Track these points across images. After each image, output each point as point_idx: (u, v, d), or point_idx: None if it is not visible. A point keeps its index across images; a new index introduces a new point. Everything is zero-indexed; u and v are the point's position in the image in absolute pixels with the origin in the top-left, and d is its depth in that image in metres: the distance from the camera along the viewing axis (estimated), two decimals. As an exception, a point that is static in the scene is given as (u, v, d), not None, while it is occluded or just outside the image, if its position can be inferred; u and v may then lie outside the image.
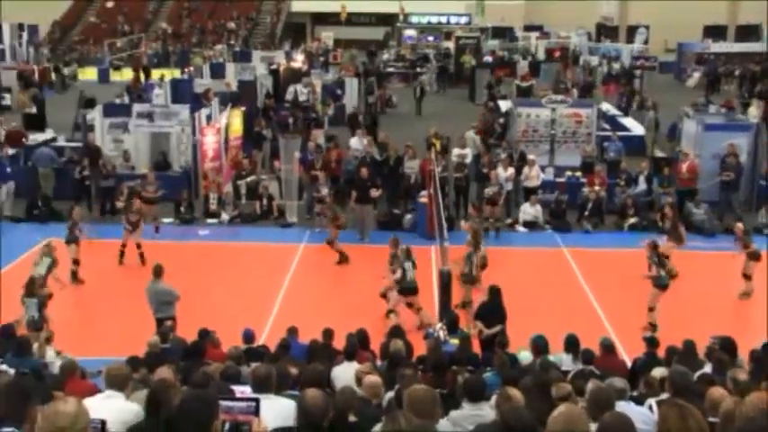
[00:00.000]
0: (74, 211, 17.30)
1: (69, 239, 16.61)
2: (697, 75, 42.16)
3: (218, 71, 35.34)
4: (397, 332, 10.88)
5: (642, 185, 21.59)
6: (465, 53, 42.81)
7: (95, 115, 23.09)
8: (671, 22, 49.70)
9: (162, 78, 33.67)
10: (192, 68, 39.10)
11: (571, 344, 10.52)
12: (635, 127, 28.57)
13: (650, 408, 6.61)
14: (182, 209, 20.73)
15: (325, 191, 19.84)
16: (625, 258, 17.88)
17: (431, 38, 55.14)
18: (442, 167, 20.56)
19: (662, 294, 14.46)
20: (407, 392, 5.47)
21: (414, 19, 56.52)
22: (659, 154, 25.19)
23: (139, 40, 53.33)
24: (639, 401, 7.26)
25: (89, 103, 28.41)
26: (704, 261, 17.76)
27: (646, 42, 48.44)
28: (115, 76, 43.89)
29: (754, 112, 28.60)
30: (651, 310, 14.39)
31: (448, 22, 56.36)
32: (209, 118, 23.21)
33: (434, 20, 56.65)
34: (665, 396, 6.96)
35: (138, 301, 13.33)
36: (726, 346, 9.93)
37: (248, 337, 11.41)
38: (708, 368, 9.07)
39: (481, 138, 24.65)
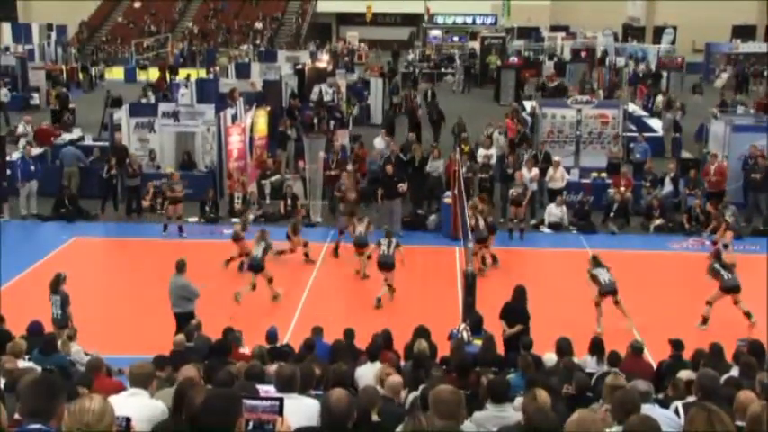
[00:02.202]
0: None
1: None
2: (725, 75, 41.81)
3: (243, 71, 35.49)
4: (421, 333, 10.85)
5: (668, 187, 21.43)
6: (490, 53, 42.73)
7: (122, 115, 23.24)
8: (699, 23, 49.34)
9: (188, 78, 33.86)
10: (217, 68, 39.31)
11: (596, 346, 10.46)
12: (661, 128, 28.36)
13: (676, 411, 6.56)
14: (207, 208, 20.82)
15: (352, 194, 19.83)
16: (651, 260, 17.76)
17: (456, 38, 55.09)
18: (467, 168, 20.51)
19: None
20: (433, 393, 5.45)
21: (439, 19, 56.48)
22: (686, 155, 25.00)
23: (166, 39, 53.71)
24: (665, 404, 7.20)
25: (116, 103, 28.63)
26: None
27: (673, 43, 48.11)
28: (142, 76, 44.23)
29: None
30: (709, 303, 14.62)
31: (473, 23, 56.27)
32: (234, 118, 23.29)
33: (460, 20, 56.56)
34: (691, 399, 6.90)
35: (164, 300, 13.40)
36: (754, 350, 9.83)
37: (272, 336, 11.44)
38: (735, 371, 8.97)
39: (506, 138, 24.62)
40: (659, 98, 32.91)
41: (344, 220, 18.52)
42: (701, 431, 4.16)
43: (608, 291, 14.30)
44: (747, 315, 14.57)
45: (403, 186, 19.61)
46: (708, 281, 14.94)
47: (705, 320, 14.52)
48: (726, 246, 16.40)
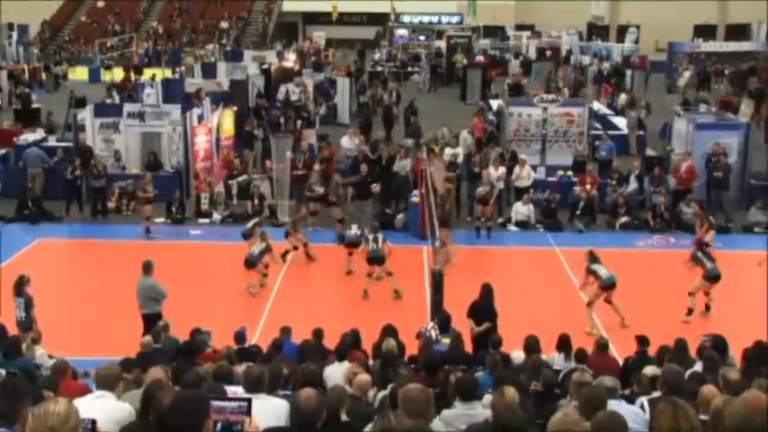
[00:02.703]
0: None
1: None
2: (687, 74, 42.29)
3: (209, 71, 35.30)
4: (389, 331, 10.87)
5: (633, 185, 21.63)
6: (456, 53, 42.88)
7: (86, 115, 23.01)
8: (661, 22, 49.91)
9: (153, 78, 33.61)
10: (183, 68, 39.07)
11: (563, 343, 10.54)
12: (626, 126, 28.64)
13: (641, 406, 6.62)
14: (173, 209, 20.69)
15: (319, 189, 19.87)
16: (617, 258, 17.90)
17: (422, 37, 55.24)
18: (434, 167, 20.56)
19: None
20: (401, 392, 5.47)
21: (405, 18, 56.60)
22: (650, 153, 25.25)
23: (130, 39, 53.27)
24: (631, 400, 7.27)
25: (80, 103, 28.35)
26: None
27: (636, 42, 48.57)
28: (106, 76, 43.81)
29: (745, 111, 28.69)
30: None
31: (439, 22, 56.46)
32: (200, 118, 23.16)
33: (426, 19, 56.73)
34: (656, 394, 6.97)
35: (131, 302, 13.30)
36: (717, 345, 9.96)
37: (241, 336, 11.40)
38: (699, 366, 9.09)
39: (473, 137, 24.72)
40: (622, 96, 33.24)
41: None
42: (666, 426, 4.20)
43: (608, 285, 14.30)
44: (707, 307, 14.97)
45: (376, 187, 19.67)
46: (690, 268, 15.24)
47: (690, 311, 14.78)
48: (707, 244, 16.60)
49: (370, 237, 16.28)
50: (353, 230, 17.22)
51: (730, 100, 32.26)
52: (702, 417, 5.10)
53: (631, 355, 10.80)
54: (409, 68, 45.39)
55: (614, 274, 14.39)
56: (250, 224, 18.05)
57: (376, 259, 15.96)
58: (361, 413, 6.67)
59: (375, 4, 56.13)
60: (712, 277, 14.84)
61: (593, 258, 14.63)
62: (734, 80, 40.07)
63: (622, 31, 51.51)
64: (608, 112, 31.67)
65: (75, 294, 16.20)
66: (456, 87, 39.76)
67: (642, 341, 10.89)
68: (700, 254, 15.13)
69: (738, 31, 53.62)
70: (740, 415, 4.49)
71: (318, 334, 11.09)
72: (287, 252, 17.77)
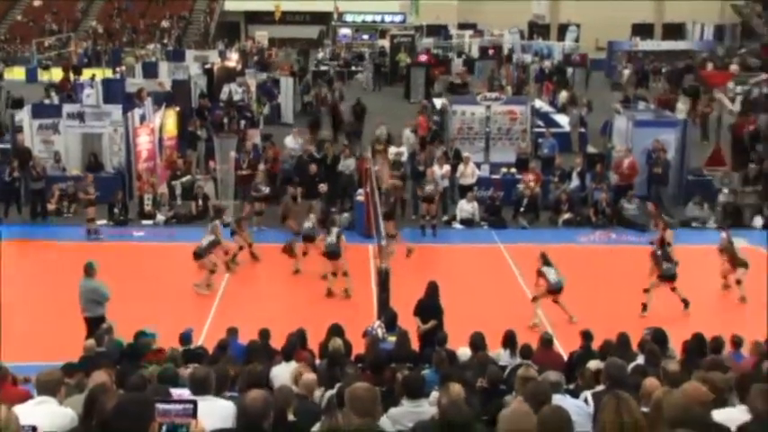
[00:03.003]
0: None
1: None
2: (627, 72, 42.99)
3: (150, 71, 34.88)
4: (336, 331, 10.86)
5: (576, 181, 21.92)
6: (400, 52, 42.98)
7: (24, 116, 22.58)
8: (601, 21, 50.61)
9: (93, 78, 33.09)
10: (123, 68, 38.55)
11: (509, 339, 10.63)
12: (567, 124, 28.99)
13: (585, 400, 6.72)
14: (116, 210, 20.42)
15: (264, 189, 19.82)
16: (560, 253, 18.11)
17: (366, 36, 55.29)
18: (380, 166, 20.60)
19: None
20: (348, 391, 5.47)
21: (348, 17, 56.61)
22: (592, 150, 25.60)
23: (68, 39, 52.37)
24: (575, 394, 7.37)
25: (17, 104, 27.81)
26: (636, 254, 18.06)
27: (577, 40, 49.21)
28: (44, 76, 43.01)
29: (681, 108, 29.25)
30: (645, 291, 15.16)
31: (383, 21, 56.56)
32: (142, 118, 22.89)
33: (369, 18, 56.80)
34: (600, 388, 7.07)
35: (74, 305, 13.08)
36: (657, 338, 10.15)
37: (186, 338, 11.29)
38: (641, 360, 9.24)
39: (416, 136, 24.83)
40: (563, 94, 33.68)
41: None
42: (610, 419, 4.27)
43: (555, 290, 14.55)
44: (684, 303, 15.16)
45: (323, 186, 19.65)
46: (648, 266, 15.47)
47: (645, 307, 15.02)
48: (669, 244, 16.83)
49: (326, 231, 16.30)
50: (308, 224, 17.19)
51: (668, 98, 32.89)
52: (644, 409, 5.19)
53: (576, 350, 10.94)
54: (353, 68, 45.39)
55: (562, 278, 14.58)
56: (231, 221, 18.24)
57: (332, 254, 15.96)
58: (308, 413, 6.66)
59: (318, 3, 56.01)
60: (667, 277, 15.11)
61: (544, 260, 14.78)
62: (671, 78, 40.82)
63: (563, 30, 52.14)
64: (550, 109, 32.04)
65: (15, 298, 15.85)
66: (400, 86, 39.85)
67: (586, 336, 11.04)
68: (660, 252, 15.35)
69: (674, 31, 54.70)
70: (679, 406, 4.60)
71: (265, 334, 11.04)
72: (234, 256, 17.61)
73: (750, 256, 17.01)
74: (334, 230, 16.19)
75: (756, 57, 43.93)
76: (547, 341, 10.98)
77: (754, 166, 22.08)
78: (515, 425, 4.44)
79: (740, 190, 21.60)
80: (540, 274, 14.70)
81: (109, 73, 38.57)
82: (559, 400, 6.15)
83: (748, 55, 45.45)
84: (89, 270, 13.10)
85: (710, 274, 16.59)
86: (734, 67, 38.99)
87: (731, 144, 25.70)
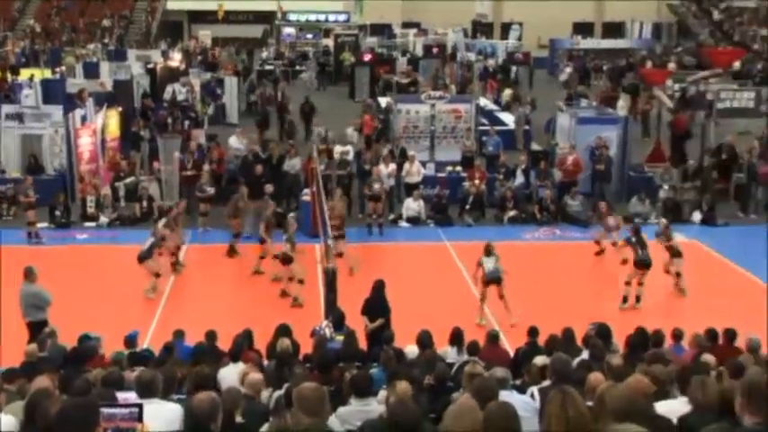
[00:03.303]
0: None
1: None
2: (569, 70, 43.53)
3: (91, 71, 34.30)
4: (283, 331, 10.83)
5: (520, 179, 22.14)
6: (344, 51, 42.94)
7: (-40, 118, 22.12)
8: (543, 20, 51.17)
9: (32, 78, 32.45)
10: (63, 68, 37.88)
11: (456, 337, 10.70)
12: (512, 121, 29.25)
13: (532, 395, 6.80)
14: (57, 213, 20.09)
15: (209, 190, 19.70)
16: (506, 250, 18.27)
17: (310, 36, 55.11)
18: (326, 165, 20.57)
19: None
20: (296, 391, 5.48)
21: (292, 17, 56.36)
22: (536, 148, 25.87)
23: (5, 38, 51.27)
24: (522, 390, 7.45)
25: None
26: (580, 250, 18.35)
27: (519, 39, 49.65)
28: (-20, 77, 42.04)
29: (622, 105, 29.71)
30: (628, 284, 15.36)
31: (327, 20, 56.41)
32: (83, 119, 22.56)
33: (313, 18, 56.62)
34: (546, 383, 7.16)
35: (14, 310, 12.86)
36: (601, 333, 10.31)
37: (131, 340, 11.15)
38: (586, 354, 9.38)
39: (362, 135, 24.87)
40: (507, 92, 33.97)
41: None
42: (555, 413, 4.33)
43: (490, 279, 14.45)
44: (637, 298, 15.38)
45: (269, 187, 19.51)
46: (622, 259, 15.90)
47: (625, 299, 15.30)
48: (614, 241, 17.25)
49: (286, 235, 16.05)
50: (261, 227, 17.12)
51: (609, 95, 33.44)
52: (590, 403, 5.28)
53: (522, 346, 11.06)
54: (297, 67, 45.24)
55: (500, 267, 14.53)
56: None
57: (286, 260, 15.74)
58: (255, 414, 6.65)
59: (261, 2, 55.67)
60: (641, 262, 15.30)
61: (486, 251, 14.78)
62: (612, 76, 41.44)
63: (506, 29, 52.57)
64: (494, 107, 32.28)
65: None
66: (344, 85, 39.81)
67: (532, 332, 11.17)
68: (634, 239, 15.51)
69: (614, 29, 55.56)
70: (623, 398, 4.68)
71: (212, 336, 10.95)
72: (177, 262, 17.45)
73: (690, 250, 17.36)
74: (288, 235, 15.98)
75: (692, 55, 44.82)
76: (493, 337, 11.10)
77: (692, 163, 22.59)
78: (460, 420, 4.48)
79: (680, 186, 22.06)
80: (479, 264, 14.68)
81: (48, 73, 37.81)
82: (506, 395, 6.21)
83: (685, 53, 46.37)
84: (29, 275, 12.89)
85: (653, 269, 16.86)
86: (672, 66, 39.72)
87: (670, 141, 26.19)
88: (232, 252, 18.09)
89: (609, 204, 19.97)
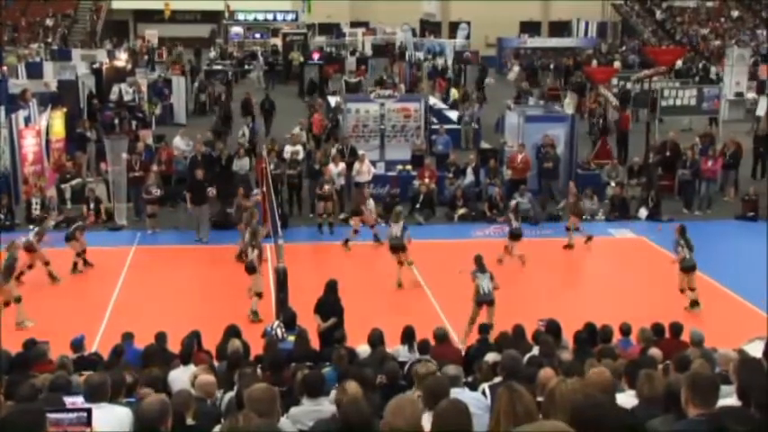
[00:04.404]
0: None
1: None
2: (516, 68, 43.93)
3: (34, 71, 33.72)
4: (233, 332, 10.77)
5: (470, 177, 22.27)
6: (293, 50, 42.81)
7: None
8: (490, 19, 51.57)
9: (-27, 79, 31.82)
10: (5, 68, 37.16)
11: (407, 335, 10.72)
12: (461, 122, 29.40)
13: (483, 392, 6.85)
14: (0, 215, 19.71)
15: (156, 191, 19.52)
16: (456, 248, 18.41)
17: (258, 35, 54.84)
18: (275, 165, 20.47)
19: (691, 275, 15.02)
20: (247, 392, 5.45)
21: (240, 16, 56.06)
22: (485, 146, 26.04)
23: (-55, 38, 50.18)
24: (474, 387, 7.50)
25: None
26: (530, 247, 18.48)
27: (467, 38, 49.95)
28: None
29: (569, 103, 30.07)
30: (683, 291, 15.03)
31: (275, 19, 56.17)
32: (27, 120, 22.17)
33: (261, 17, 56.35)
34: (497, 380, 7.22)
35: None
36: (551, 329, 10.42)
37: (78, 344, 10.98)
38: (536, 351, 9.47)
39: (311, 135, 24.82)
40: (453, 91, 34.17)
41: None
42: (504, 410, 4.36)
43: (485, 301, 13.78)
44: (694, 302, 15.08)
45: (212, 191, 19.35)
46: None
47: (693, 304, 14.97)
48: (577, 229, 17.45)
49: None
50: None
51: (556, 87, 33.89)
52: (540, 399, 5.34)
53: (473, 344, 11.12)
54: (246, 66, 45.00)
55: (492, 286, 13.79)
56: (71, 228, 17.62)
57: (250, 269, 15.23)
58: (207, 415, 6.60)
59: (209, 2, 55.26)
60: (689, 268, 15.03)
61: (479, 265, 13.99)
62: (558, 74, 41.93)
63: (454, 28, 52.84)
64: (443, 106, 32.43)
65: None
66: (294, 85, 39.70)
67: (482, 329, 11.24)
68: (682, 241, 15.17)
69: (560, 28, 56.27)
70: (575, 393, 4.73)
71: (161, 338, 10.85)
72: (76, 265, 17.21)
73: (636, 246, 17.65)
74: (256, 242, 15.43)
75: (636, 54, 45.54)
76: (439, 336, 10.97)
77: (637, 160, 22.96)
78: (400, 414, 4.48)
79: (626, 183, 22.38)
80: (474, 279, 13.82)
81: (-11, 73, 37.12)
82: (458, 393, 6.25)
83: (629, 52, 47.11)
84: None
85: (599, 264, 17.14)
86: (617, 64, 40.29)
87: (616, 138, 26.57)
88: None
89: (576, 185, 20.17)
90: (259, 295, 14.97)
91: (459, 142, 26.92)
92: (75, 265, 17.14)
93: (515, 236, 17.17)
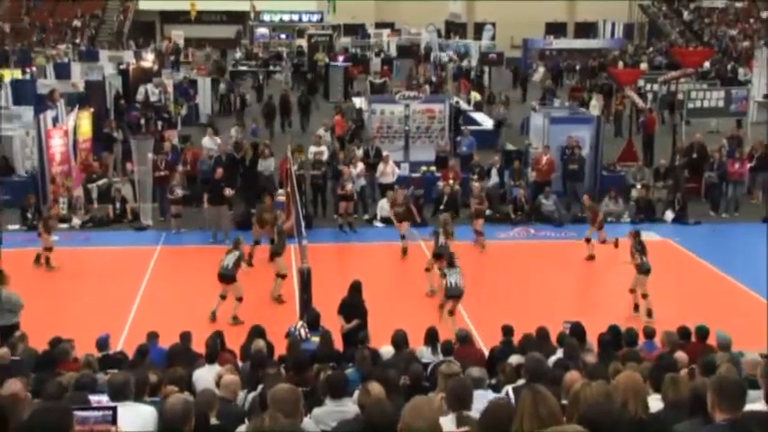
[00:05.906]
0: None
1: None
2: (542, 70, 43.77)
3: (63, 71, 34.02)
4: (257, 332, 10.81)
5: (494, 178, 22.20)
6: (318, 51, 42.90)
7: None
8: (515, 20, 51.46)
9: (1, 79, 32.14)
10: (34, 68, 37.54)
11: (431, 337, 10.71)
12: (486, 121, 29.36)
13: (507, 394, 6.83)
14: (29, 215, 19.90)
15: (180, 192, 19.62)
16: (479, 250, 18.37)
17: (283, 36, 55.02)
18: (299, 165, 20.53)
19: (647, 279, 14.86)
20: (270, 392, 5.46)
21: (265, 17, 56.29)
22: (510, 147, 25.96)
23: (-26, 38, 50.75)
24: (497, 389, 7.48)
25: None
26: (554, 249, 18.43)
27: (493, 39, 49.86)
28: (-51, 78, 41.54)
29: (595, 105, 29.91)
30: (644, 296, 14.82)
31: (300, 20, 56.35)
32: (55, 120, 22.36)
33: (286, 18, 56.57)
34: (521, 382, 7.19)
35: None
36: (575, 332, 10.36)
37: (103, 343, 11.06)
38: (560, 353, 9.43)
39: (335, 136, 24.88)
40: (474, 94, 34.07)
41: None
42: (527, 411, 4.35)
43: (452, 295, 14.04)
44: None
45: (229, 191, 19.35)
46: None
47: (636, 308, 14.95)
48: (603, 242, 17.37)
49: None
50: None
51: (579, 88, 33.71)
52: (565, 401, 5.32)
53: (497, 345, 11.09)
54: (271, 67, 45.16)
55: (460, 282, 14.08)
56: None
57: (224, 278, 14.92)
58: (231, 415, 6.63)
59: (234, 2, 55.53)
60: (646, 271, 14.92)
61: (449, 262, 14.44)
62: (584, 76, 41.73)
63: (479, 29, 52.75)
64: (468, 107, 32.37)
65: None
66: (319, 85, 39.76)
67: (506, 331, 11.20)
68: (638, 246, 15.11)
69: (586, 29, 56.01)
70: (601, 394, 4.71)
71: (186, 337, 10.91)
72: (38, 257, 17.28)
73: (662, 249, 17.52)
74: (237, 253, 15.10)
75: (663, 55, 45.23)
76: (463, 338, 11.00)
77: (663, 162, 22.79)
78: (418, 415, 4.48)
79: (652, 185, 22.24)
80: (443, 275, 14.27)
81: (18, 74, 37.49)
82: (482, 395, 6.23)
83: (656, 53, 46.80)
84: (0, 278, 12.77)
85: (624, 266, 16.96)
86: (643, 66, 40.04)
87: (642, 140, 26.39)
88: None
89: (592, 196, 19.90)
90: (282, 276, 15.35)
91: (487, 143, 26.75)
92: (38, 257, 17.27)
93: (437, 255, 15.80)
